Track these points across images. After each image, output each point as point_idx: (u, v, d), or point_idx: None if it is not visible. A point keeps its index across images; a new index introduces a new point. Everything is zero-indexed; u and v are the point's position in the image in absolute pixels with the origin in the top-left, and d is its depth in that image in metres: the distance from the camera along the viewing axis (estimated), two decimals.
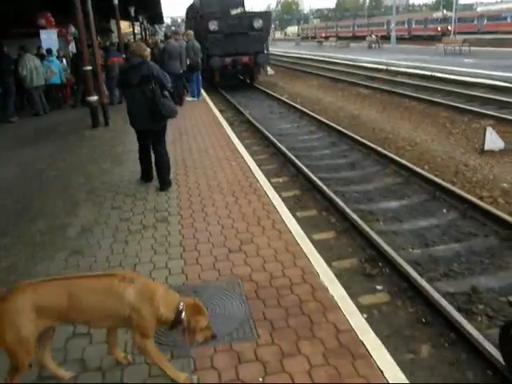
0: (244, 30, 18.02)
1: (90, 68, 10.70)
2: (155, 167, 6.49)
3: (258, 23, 18.20)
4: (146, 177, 6.63)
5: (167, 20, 79.41)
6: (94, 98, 10.69)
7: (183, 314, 2.63)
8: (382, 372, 2.82)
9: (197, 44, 14.03)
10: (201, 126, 10.44)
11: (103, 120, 11.02)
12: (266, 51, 19.06)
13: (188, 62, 13.27)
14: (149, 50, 6.21)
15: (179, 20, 43.24)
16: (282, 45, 68.08)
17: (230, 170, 7.01)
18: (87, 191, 6.44)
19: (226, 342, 3.16)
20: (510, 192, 6.77)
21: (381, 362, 2.91)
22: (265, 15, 19.48)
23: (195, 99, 14.42)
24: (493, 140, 8.97)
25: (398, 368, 2.90)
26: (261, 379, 2.81)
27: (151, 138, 6.30)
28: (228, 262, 4.25)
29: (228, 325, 3.36)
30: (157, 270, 4.16)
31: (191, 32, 14.82)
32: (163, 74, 6.05)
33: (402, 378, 2.83)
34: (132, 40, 27.26)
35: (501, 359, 3.22)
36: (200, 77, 14.69)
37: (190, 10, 22.55)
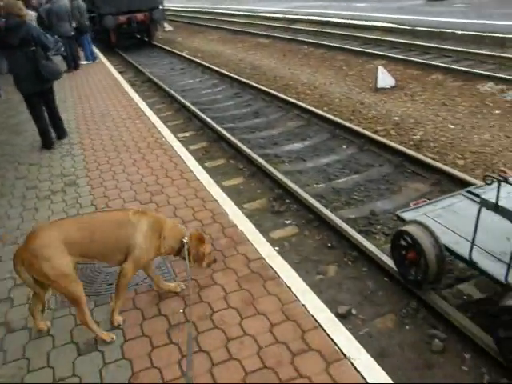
0: None
1: None
2: (50, 123, 6.59)
3: None
4: (46, 142, 6.50)
5: None
6: None
7: (185, 243, 2.88)
8: (289, 289, 3.14)
9: (82, 3, 13.22)
10: (101, 89, 10.13)
11: None
12: (161, 6, 18.43)
13: (74, 24, 12.51)
14: (24, 9, 5.91)
15: None
16: None
17: (134, 128, 6.98)
18: None
19: (147, 284, 3.33)
20: (401, 124, 7.34)
21: (290, 281, 3.22)
22: None
23: (90, 62, 13.83)
24: (384, 78, 9.56)
25: (305, 285, 3.22)
26: (181, 311, 3.03)
27: (40, 100, 6.30)
28: None
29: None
30: None
31: None
32: (44, 35, 5.92)
33: (307, 289, 3.16)
34: None
35: (393, 266, 3.67)
36: (89, 38, 13.95)
37: None
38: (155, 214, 3.06)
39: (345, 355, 2.60)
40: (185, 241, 2.88)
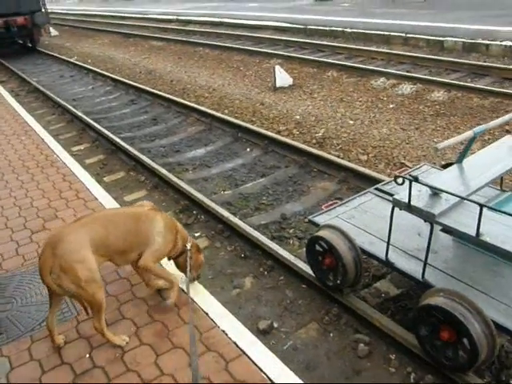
0: None
1: None
2: None
3: None
4: None
5: None
6: None
7: (187, 249, 2.93)
8: (206, 314, 2.90)
9: None
10: None
11: None
12: (43, 9, 17.21)
13: None
14: None
15: None
16: (63, 1, 62.66)
17: (20, 145, 6.34)
18: None
19: (44, 328, 2.92)
20: (302, 123, 7.37)
21: (206, 305, 2.98)
22: None
23: None
24: (282, 77, 9.60)
25: (223, 308, 3.00)
26: (87, 355, 2.67)
27: None
28: (32, 244, 3.90)
29: (43, 309, 3.10)
30: None
31: None
32: None
33: (225, 312, 2.94)
34: None
35: (311, 272, 3.56)
36: None
37: None
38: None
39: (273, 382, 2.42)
40: (188, 246, 2.95)
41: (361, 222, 3.54)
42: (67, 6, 47.25)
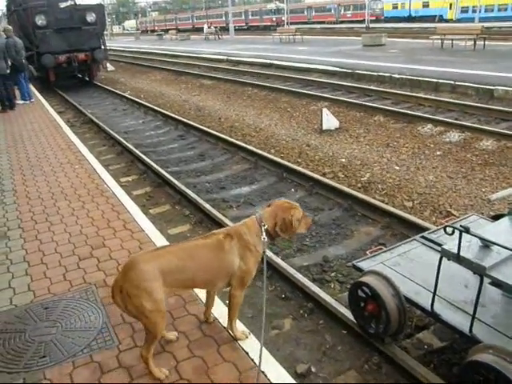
0: (76, 25, 16.95)
1: None
2: None
3: (91, 17, 17.26)
4: None
5: None
6: None
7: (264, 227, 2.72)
8: (247, 353, 2.88)
9: (19, 41, 12.78)
10: (37, 131, 9.65)
11: None
12: (103, 46, 18.22)
13: (10, 62, 12.04)
14: None
15: (0, 13, 39.10)
16: (121, 40, 65.97)
17: (73, 174, 6.59)
18: None
19: (86, 355, 2.98)
20: (348, 166, 7.37)
21: (246, 344, 2.97)
22: (98, 8, 18.45)
23: (27, 102, 13.29)
24: (329, 120, 9.69)
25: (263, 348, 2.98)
26: None
27: None
28: (79, 270, 4.00)
29: (86, 336, 3.17)
30: None
31: (9, 27, 13.39)
32: None
33: (266, 353, 2.91)
34: None
35: (352, 318, 3.50)
36: (27, 77, 13.47)
37: (12, 2, 20.36)
38: (235, 227, 2.88)
39: None
40: (264, 227, 2.73)
41: (406, 269, 3.48)
42: (124, 44, 49.65)
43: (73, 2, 17.65)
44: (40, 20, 16.26)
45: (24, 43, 13.75)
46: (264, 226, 2.72)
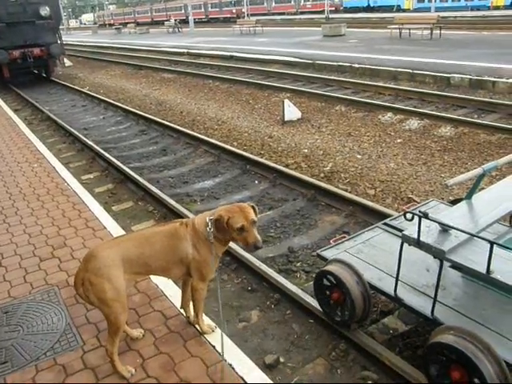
0: (30, 19, 16.39)
1: None
2: None
3: (44, 10, 16.71)
4: None
5: None
6: None
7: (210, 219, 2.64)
8: (214, 347, 2.87)
9: None
10: None
11: None
12: (59, 41, 17.72)
13: None
14: None
15: None
16: (78, 34, 64.37)
17: (32, 173, 6.41)
18: None
19: (49, 358, 2.91)
20: (310, 156, 7.42)
21: (213, 338, 2.95)
22: (52, 1, 17.86)
23: None
24: (291, 111, 9.73)
25: (230, 341, 2.97)
26: None
27: None
28: (40, 271, 3.91)
29: (49, 339, 3.10)
30: None
31: None
32: None
33: (232, 345, 2.91)
34: None
35: (318, 306, 3.53)
36: None
37: None
38: (192, 219, 2.80)
39: None
40: (211, 219, 2.64)
41: (369, 256, 3.54)
42: (81, 38, 48.46)
43: None
44: None
45: None
46: (211, 218, 2.65)
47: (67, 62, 23.16)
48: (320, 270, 3.47)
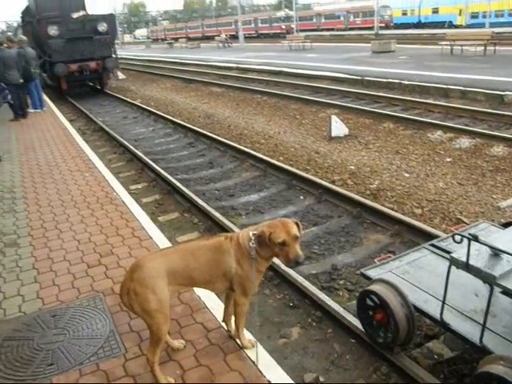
0: (88, 34, 17.20)
1: None
2: None
3: (102, 26, 17.49)
4: None
5: (1, 25, 73.10)
6: None
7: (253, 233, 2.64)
8: (253, 363, 2.86)
9: (30, 51, 13.03)
10: (49, 139, 9.75)
11: None
12: (114, 55, 18.43)
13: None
14: None
15: (16, 24, 39.91)
16: (132, 48, 66.46)
17: (83, 181, 6.64)
18: None
19: (92, 363, 2.99)
20: (357, 173, 7.34)
21: (253, 353, 2.95)
22: (109, 18, 18.71)
23: (39, 110, 13.44)
24: (338, 127, 9.67)
25: (269, 357, 2.96)
26: None
27: None
28: (87, 277, 4.03)
29: (93, 344, 3.18)
30: (7, 300, 3.79)
31: (23, 38, 13.80)
32: None
33: (272, 362, 2.89)
34: None
35: (360, 326, 3.47)
36: (39, 86, 13.65)
37: (26, 13, 20.77)
38: (236, 233, 2.85)
39: None
40: (255, 234, 2.64)
41: (415, 278, 3.45)
42: (135, 52, 50.06)
43: (85, 13, 17.88)
44: (53, 30, 16.53)
45: (37, 53, 13.99)
46: (254, 233, 2.65)
47: (120, 75, 23.97)
48: (363, 289, 3.42)
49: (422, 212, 5.81)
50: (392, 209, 5.78)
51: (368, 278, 3.52)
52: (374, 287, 3.26)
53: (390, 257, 3.81)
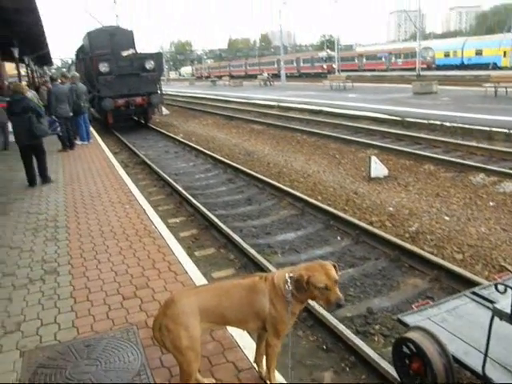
0: (135, 71, 18.03)
1: None
2: (38, 169, 9.02)
3: (149, 64, 18.27)
4: (31, 180, 8.92)
5: (57, 61, 77.20)
6: None
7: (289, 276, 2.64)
8: None
9: (81, 86, 13.74)
10: (93, 170, 10.08)
11: None
12: (159, 91, 19.12)
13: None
14: (26, 88, 8.58)
15: (70, 61, 42.23)
16: (176, 85, 68.68)
17: (123, 213, 6.80)
18: None
19: None
20: (396, 215, 7.22)
21: None
22: (156, 56, 19.62)
23: (85, 142, 13.97)
24: (378, 168, 9.59)
25: None
26: None
27: (32, 151, 8.76)
28: (122, 309, 4.07)
29: (124, 376, 3.18)
30: (44, 327, 3.87)
31: (76, 74, 14.54)
32: (38, 106, 8.79)
33: None
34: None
35: (395, 374, 3.35)
36: (87, 119, 14.26)
37: (80, 51, 22.06)
38: (272, 274, 2.84)
39: None
40: (291, 276, 2.65)
41: (454, 327, 3.33)
42: (179, 89, 51.64)
43: (134, 51, 18.75)
44: (103, 67, 17.41)
45: (88, 88, 14.69)
46: (291, 275, 2.64)
47: (165, 111, 24.69)
48: (400, 336, 3.33)
49: (462, 257, 5.64)
50: (431, 253, 5.64)
51: (405, 325, 3.42)
52: (411, 334, 3.16)
53: (428, 303, 3.70)
